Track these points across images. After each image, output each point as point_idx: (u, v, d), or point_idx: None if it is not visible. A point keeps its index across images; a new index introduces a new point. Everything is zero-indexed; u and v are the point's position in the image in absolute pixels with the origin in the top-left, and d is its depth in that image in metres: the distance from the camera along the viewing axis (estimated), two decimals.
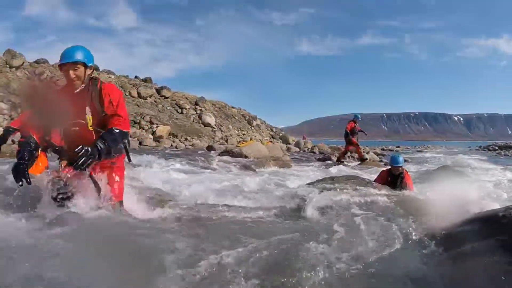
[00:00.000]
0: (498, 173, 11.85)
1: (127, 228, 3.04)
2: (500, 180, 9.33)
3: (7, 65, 24.13)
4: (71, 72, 3.11)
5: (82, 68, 3.16)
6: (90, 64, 3.22)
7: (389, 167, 6.88)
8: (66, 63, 3.11)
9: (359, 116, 14.60)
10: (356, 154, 14.83)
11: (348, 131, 13.84)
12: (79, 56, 3.13)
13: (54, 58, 23.45)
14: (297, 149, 23.13)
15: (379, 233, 3.36)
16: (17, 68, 24.43)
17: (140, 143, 19.57)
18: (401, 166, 6.58)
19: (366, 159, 14.19)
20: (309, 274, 2.37)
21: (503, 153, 29.14)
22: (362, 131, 14.49)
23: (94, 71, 3.48)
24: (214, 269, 2.38)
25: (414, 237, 3.31)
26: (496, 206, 3.68)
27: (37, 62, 27.39)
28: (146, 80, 31.69)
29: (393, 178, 6.53)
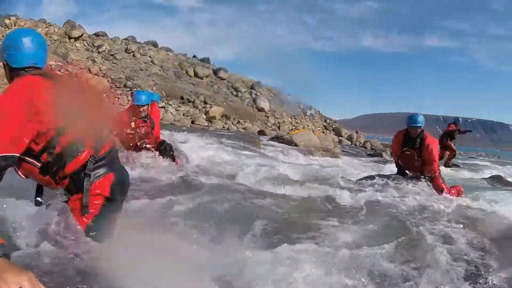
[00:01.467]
0: None
1: None
2: None
3: (67, 36, 25.31)
4: None
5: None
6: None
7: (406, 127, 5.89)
8: None
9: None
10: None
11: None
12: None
13: (114, 33, 24.18)
14: (349, 143, 23.23)
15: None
16: (76, 39, 25.57)
17: (192, 122, 20.17)
18: (420, 127, 5.65)
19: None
20: None
21: None
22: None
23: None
24: None
25: None
26: None
27: (96, 34, 28.39)
28: (204, 60, 32.22)
29: (410, 141, 5.70)
